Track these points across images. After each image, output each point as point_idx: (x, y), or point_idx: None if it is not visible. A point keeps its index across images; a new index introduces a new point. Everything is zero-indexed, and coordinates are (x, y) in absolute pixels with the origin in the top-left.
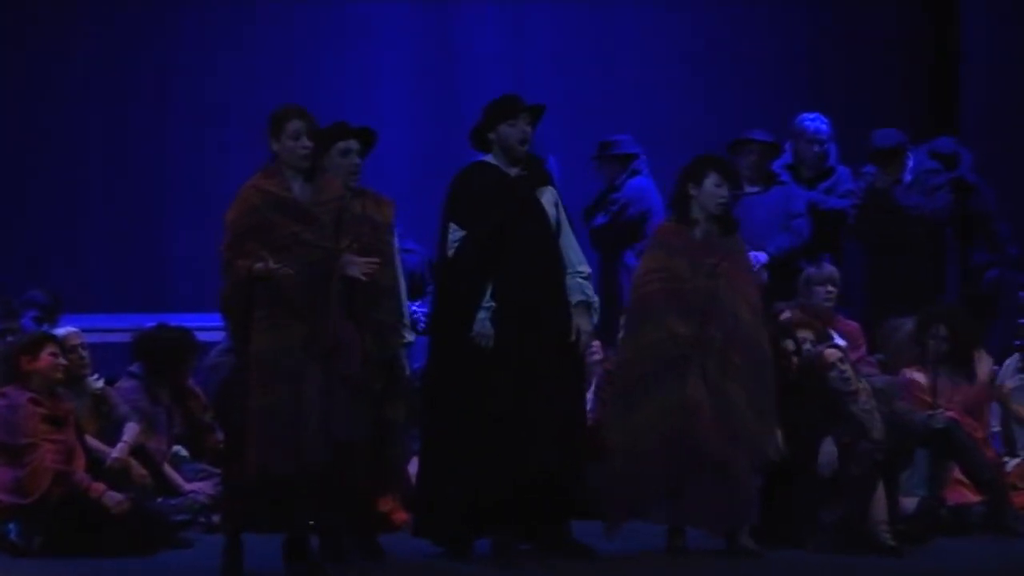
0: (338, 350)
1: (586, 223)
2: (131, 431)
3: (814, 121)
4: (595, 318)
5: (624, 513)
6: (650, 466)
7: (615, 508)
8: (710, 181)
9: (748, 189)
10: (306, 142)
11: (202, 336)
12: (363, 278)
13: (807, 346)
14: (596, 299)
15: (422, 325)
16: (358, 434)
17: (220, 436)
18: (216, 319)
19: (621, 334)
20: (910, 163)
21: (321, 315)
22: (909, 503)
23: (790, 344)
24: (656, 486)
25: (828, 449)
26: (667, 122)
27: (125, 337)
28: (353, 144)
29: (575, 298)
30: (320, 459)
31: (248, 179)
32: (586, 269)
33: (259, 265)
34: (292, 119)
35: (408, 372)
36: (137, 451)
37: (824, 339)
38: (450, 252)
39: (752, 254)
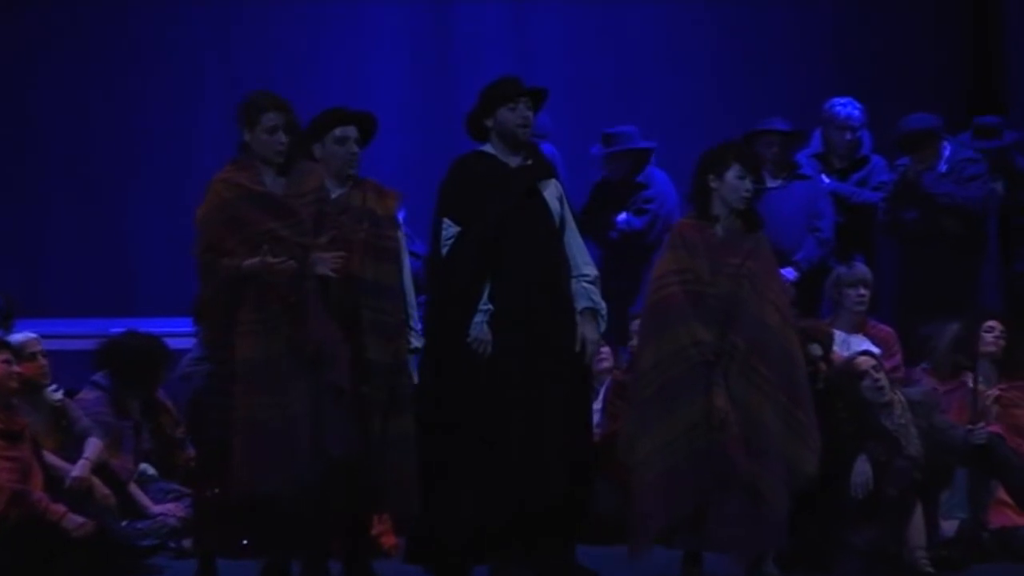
0: (322, 358)
1: (593, 227)
2: (94, 447)
3: (845, 106)
4: (602, 326)
5: (650, 538)
6: (676, 487)
7: (640, 533)
8: (732, 173)
9: (768, 184)
10: (282, 137)
11: (171, 343)
12: (332, 275)
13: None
14: (604, 306)
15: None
16: (351, 449)
17: (192, 453)
18: (187, 324)
19: (633, 341)
20: (946, 152)
21: (301, 320)
22: (948, 526)
23: (816, 349)
24: (683, 509)
25: (861, 468)
26: (681, 111)
27: (87, 344)
28: (351, 131)
29: (581, 304)
30: (311, 476)
31: (217, 172)
32: (592, 272)
33: (251, 262)
34: (269, 111)
35: (415, 381)
36: (100, 469)
37: (830, 349)
38: (444, 250)
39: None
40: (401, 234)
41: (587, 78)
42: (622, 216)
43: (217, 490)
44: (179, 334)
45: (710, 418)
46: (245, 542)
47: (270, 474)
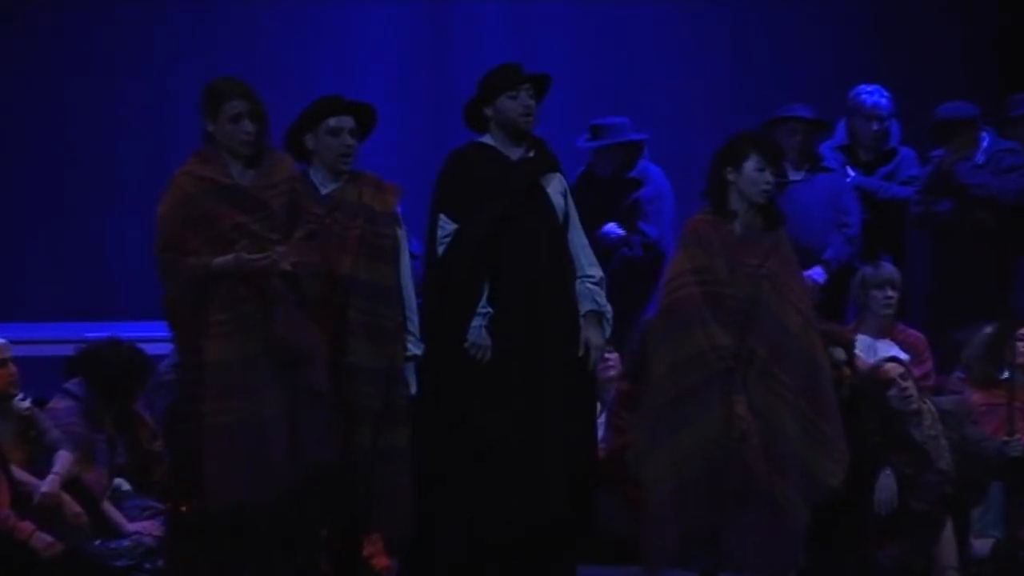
0: (297, 359)
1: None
2: (64, 461)
3: (872, 94)
4: (607, 330)
5: (664, 558)
6: (692, 504)
7: (653, 553)
8: (750, 164)
9: (791, 176)
10: (248, 126)
11: (149, 348)
12: (291, 269)
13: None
14: (609, 308)
15: None
16: (332, 456)
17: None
18: (164, 329)
19: (638, 345)
20: (984, 142)
21: (274, 319)
22: (981, 545)
23: (839, 353)
24: (699, 527)
25: (886, 482)
26: (693, 103)
27: (60, 350)
28: (346, 121)
29: (585, 307)
30: (289, 485)
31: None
32: (597, 273)
33: (224, 259)
34: (231, 99)
35: (412, 390)
36: (72, 484)
37: (852, 354)
38: (439, 249)
39: (807, 274)
40: (401, 232)
41: (591, 66)
42: (608, 226)
43: (190, 506)
44: (157, 339)
45: (731, 429)
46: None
47: (244, 484)
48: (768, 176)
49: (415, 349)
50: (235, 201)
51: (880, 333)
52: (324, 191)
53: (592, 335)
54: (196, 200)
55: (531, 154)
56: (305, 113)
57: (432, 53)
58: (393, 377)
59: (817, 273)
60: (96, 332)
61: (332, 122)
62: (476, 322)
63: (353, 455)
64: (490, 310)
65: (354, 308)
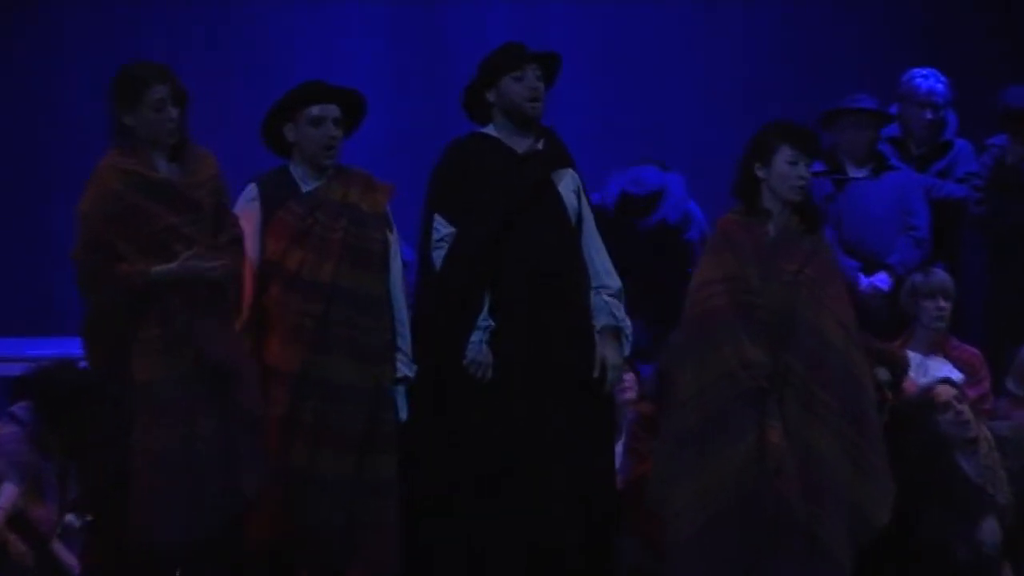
0: (227, 378)
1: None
2: (8, 494)
3: (927, 79)
4: (627, 347)
5: None
6: (721, 543)
7: None
8: (781, 158)
9: (852, 174)
10: (172, 112)
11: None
12: (223, 280)
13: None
14: (628, 323)
15: None
16: (262, 485)
17: None
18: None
19: (664, 361)
20: None
21: (207, 334)
22: None
23: (883, 374)
24: (730, 567)
25: (933, 520)
26: (720, 90)
27: (0, 369)
28: (331, 110)
29: (601, 321)
30: (218, 522)
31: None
32: (615, 284)
33: (166, 267)
34: (153, 84)
35: (403, 415)
36: (17, 520)
37: (903, 377)
38: (434, 255)
39: (867, 280)
40: (392, 236)
41: (604, 55)
42: (879, 277)
43: (113, 543)
44: None
45: (764, 457)
46: None
47: (177, 522)
48: (802, 170)
49: (406, 370)
50: (166, 199)
51: (931, 349)
52: (305, 188)
53: (609, 353)
54: (122, 196)
55: (540, 146)
56: (284, 100)
57: (426, 39)
58: (379, 400)
59: (881, 280)
60: (40, 349)
61: (315, 110)
62: (476, 336)
63: (332, 486)
64: (492, 323)
65: (334, 321)
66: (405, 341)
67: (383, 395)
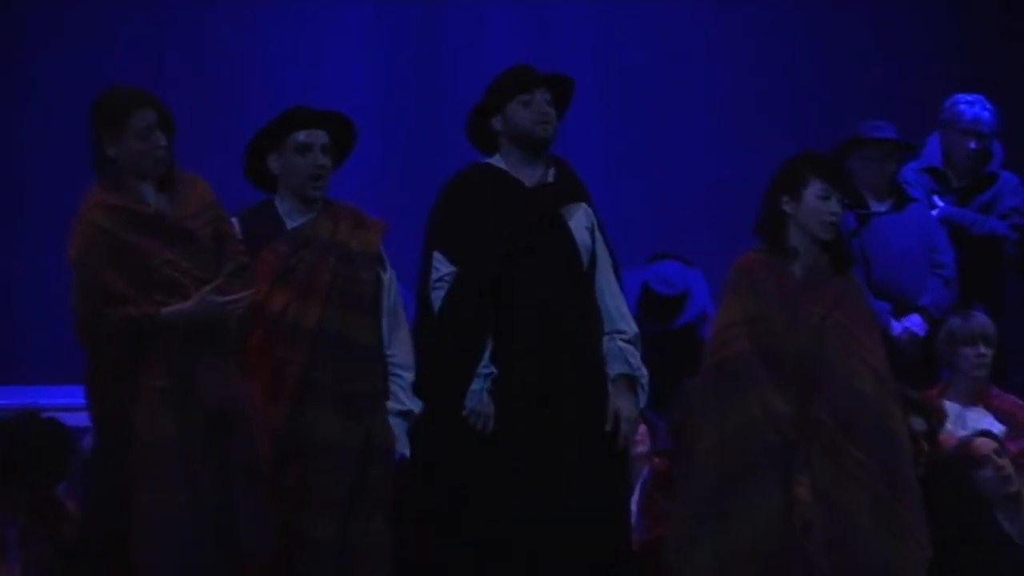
0: (229, 429)
1: None
2: None
3: (972, 105)
4: (643, 398)
5: None
6: None
7: None
8: (811, 192)
9: (873, 207)
10: (160, 139)
11: (69, 419)
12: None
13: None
14: (644, 372)
15: None
16: (266, 547)
17: None
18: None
19: (679, 411)
20: None
21: (202, 379)
22: None
23: (918, 424)
24: None
25: None
26: (743, 113)
27: None
28: (319, 136)
29: (615, 369)
30: None
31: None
32: (631, 329)
33: (179, 307)
34: (136, 110)
35: (407, 451)
36: None
37: (939, 428)
38: (433, 295)
39: (900, 324)
40: (387, 276)
41: (620, 74)
42: (911, 320)
43: None
44: (77, 407)
45: (791, 517)
46: None
47: None
48: (834, 206)
49: (410, 404)
50: (159, 233)
51: (970, 399)
52: (291, 224)
53: (623, 403)
54: (112, 235)
55: (550, 178)
56: (268, 128)
57: (424, 57)
58: (368, 456)
59: (915, 323)
60: (2, 399)
61: (301, 136)
62: (476, 385)
63: (321, 549)
64: (494, 370)
65: (319, 370)
66: (407, 394)
67: (372, 451)
